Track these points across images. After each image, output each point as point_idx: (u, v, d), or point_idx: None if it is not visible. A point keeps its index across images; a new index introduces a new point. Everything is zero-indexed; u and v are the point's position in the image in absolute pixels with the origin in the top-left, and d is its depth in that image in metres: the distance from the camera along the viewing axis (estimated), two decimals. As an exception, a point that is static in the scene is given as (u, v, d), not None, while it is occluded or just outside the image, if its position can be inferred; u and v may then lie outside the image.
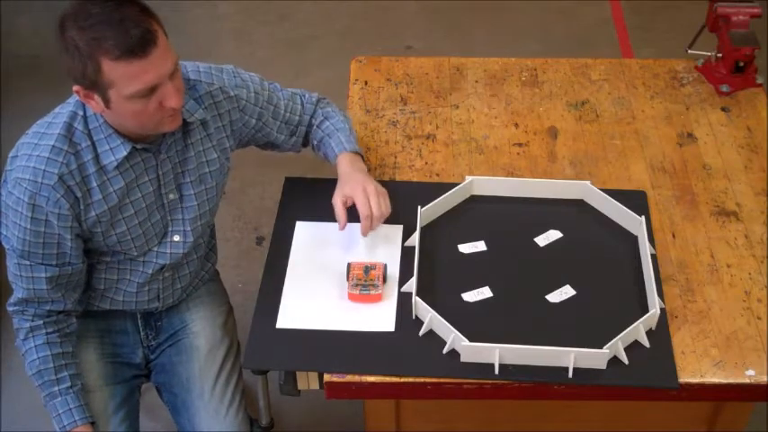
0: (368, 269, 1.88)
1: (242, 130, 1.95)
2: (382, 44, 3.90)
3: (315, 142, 2.06)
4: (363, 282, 1.86)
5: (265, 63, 3.87)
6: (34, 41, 3.92)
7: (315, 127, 2.05)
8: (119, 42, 1.59)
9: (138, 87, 1.63)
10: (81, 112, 1.75)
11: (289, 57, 3.91)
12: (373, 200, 1.89)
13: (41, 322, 1.83)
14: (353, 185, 1.91)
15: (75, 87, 1.67)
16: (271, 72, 3.75)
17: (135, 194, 1.81)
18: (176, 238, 1.90)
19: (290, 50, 3.95)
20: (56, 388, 1.84)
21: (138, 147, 1.77)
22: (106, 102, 1.66)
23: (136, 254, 1.87)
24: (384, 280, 1.87)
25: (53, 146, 1.72)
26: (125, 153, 1.75)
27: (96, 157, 1.75)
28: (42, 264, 1.78)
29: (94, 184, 1.76)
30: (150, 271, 1.91)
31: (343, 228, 1.91)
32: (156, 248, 1.89)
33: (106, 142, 1.75)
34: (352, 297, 1.86)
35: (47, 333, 1.84)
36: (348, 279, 1.87)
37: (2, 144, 3.32)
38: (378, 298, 1.85)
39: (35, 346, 1.83)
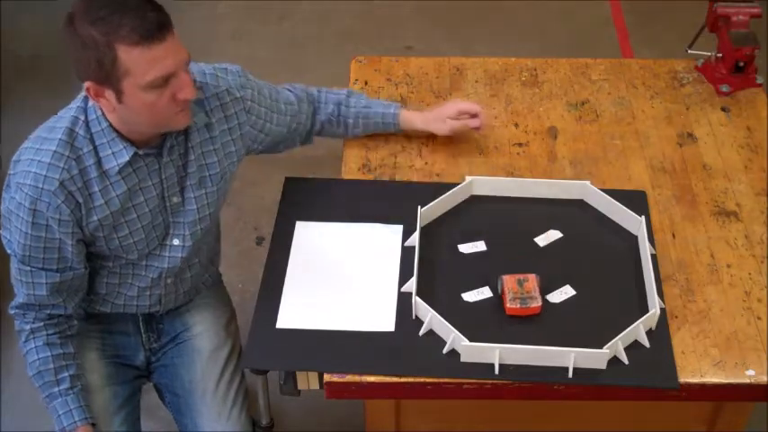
0: (521, 282, 1.84)
1: (250, 132, 1.93)
2: (382, 44, 3.90)
3: (350, 121, 2.13)
4: (521, 295, 1.82)
5: (265, 63, 3.86)
6: (34, 41, 3.90)
7: (332, 110, 2.11)
8: (136, 26, 1.58)
9: (155, 74, 1.61)
10: (83, 117, 1.73)
11: (289, 57, 3.91)
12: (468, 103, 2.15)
13: (42, 324, 1.83)
14: (446, 109, 2.14)
15: (87, 84, 1.65)
16: (271, 72, 3.76)
17: (138, 198, 1.79)
18: (176, 241, 1.88)
19: (290, 50, 3.95)
20: (56, 389, 1.83)
21: (141, 152, 1.75)
22: (119, 95, 1.64)
23: (137, 257, 1.86)
24: (540, 291, 1.83)
25: (54, 151, 1.70)
26: (127, 158, 1.73)
27: (98, 162, 1.73)
28: (43, 269, 1.77)
29: (96, 189, 1.74)
30: (151, 275, 1.90)
31: (480, 124, 2.15)
32: (156, 252, 1.87)
33: (108, 146, 1.73)
34: (511, 311, 1.82)
35: (47, 335, 1.83)
36: (503, 294, 1.83)
37: (2, 144, 3.32)
38: (537, 310, 1.82)
39: (35, 347, 1.83)
